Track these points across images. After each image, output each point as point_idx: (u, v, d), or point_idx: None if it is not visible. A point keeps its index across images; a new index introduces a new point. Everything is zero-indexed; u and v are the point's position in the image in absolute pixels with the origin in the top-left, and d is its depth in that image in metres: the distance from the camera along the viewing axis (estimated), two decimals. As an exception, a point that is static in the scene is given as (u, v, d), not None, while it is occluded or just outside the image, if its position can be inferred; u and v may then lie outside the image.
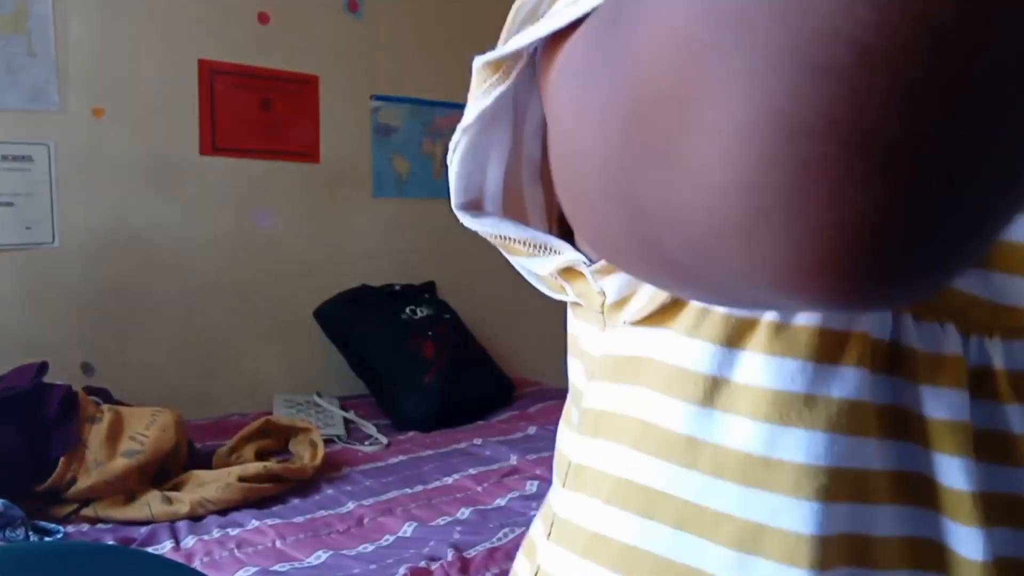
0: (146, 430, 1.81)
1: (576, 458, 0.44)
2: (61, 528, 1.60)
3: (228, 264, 2.54)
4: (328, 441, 2.17)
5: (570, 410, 0.48)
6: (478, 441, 2.25)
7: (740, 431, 0.36)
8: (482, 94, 0.39)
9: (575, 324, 0.48)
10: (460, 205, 0.45)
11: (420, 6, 2.88)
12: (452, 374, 2.50)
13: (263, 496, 1.79)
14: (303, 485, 1.89)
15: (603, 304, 0.43)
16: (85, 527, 1.65)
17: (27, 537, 1.51)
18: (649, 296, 0.40)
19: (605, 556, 0.41)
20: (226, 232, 2.54)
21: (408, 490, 1.89)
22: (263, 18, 2.57)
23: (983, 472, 0.35)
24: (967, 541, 0.36)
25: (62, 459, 1.68)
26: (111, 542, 1.55)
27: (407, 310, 2.63)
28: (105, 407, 1.85)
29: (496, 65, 0.39)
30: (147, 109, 2.38)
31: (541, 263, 0.45)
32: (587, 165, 0.24)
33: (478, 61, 0.39)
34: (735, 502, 0.37)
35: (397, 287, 2.75)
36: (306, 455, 2.02)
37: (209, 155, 2.50)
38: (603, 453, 0.42)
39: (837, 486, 0.35)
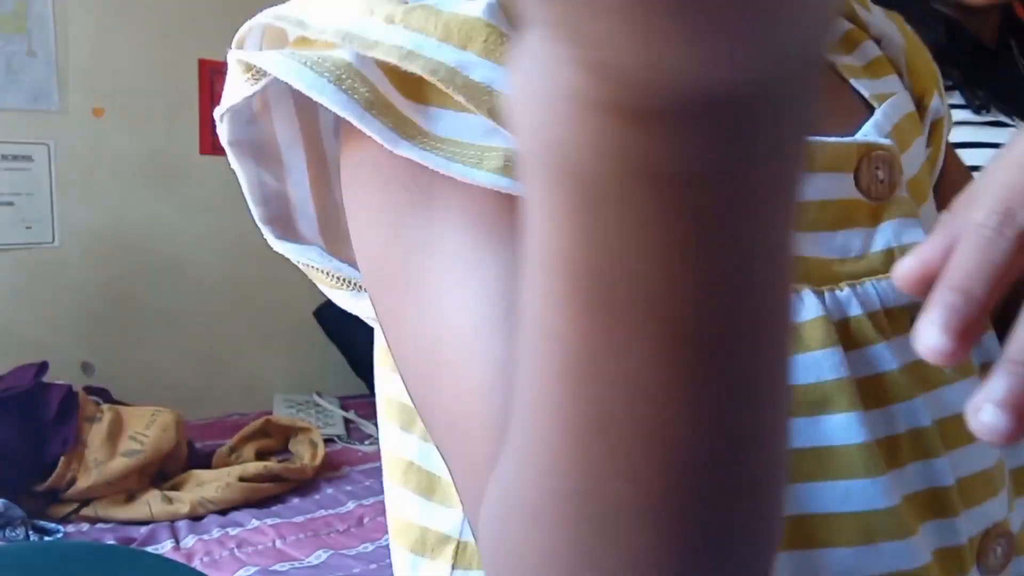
0: (146, 430, 1.81)
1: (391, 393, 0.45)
2: (61, 528, 1.60)
3: (228, 264, 2.54)
4: (328, 441, 2.17)
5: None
6: (478, 441, 2.24)
7: None
8: (239, 88, 0.38)
9: None
10: (263, 219, 0.41)
11: (420, 6, 2.88)
12: (452, 374, 2.49)
13: (263, 496, 1.79)
14: (303, 485, 1.89)
15: None
16: (85, 527, 1.65)
17: (27, 537, 1.51)
18: None
19: (414, 480, 0.43)
20: (226, 232, 2.53)
21: (408, 490, 1.89)
22: (263, 18, 2.57)
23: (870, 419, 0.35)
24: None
25: (62, 459, 1.68)
26: (111, 542, 1.55)
27: (407, 310, 2.63)
28: (105, 407, 1.85)
29: (247, 67, 0.37)
30: (147, 109, 2.38)
31: (348, 300, 0.41)
32: None
33: (233, 55, 0.38)
34: None
35: (397, 287, 2.74)
36: (306, 455, 2.02)
37: (209, 155, 2.50)
38: (393, 383, 0.43)
39: None
